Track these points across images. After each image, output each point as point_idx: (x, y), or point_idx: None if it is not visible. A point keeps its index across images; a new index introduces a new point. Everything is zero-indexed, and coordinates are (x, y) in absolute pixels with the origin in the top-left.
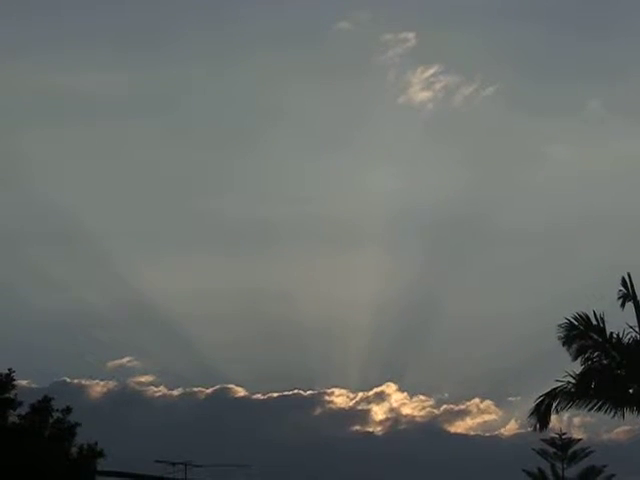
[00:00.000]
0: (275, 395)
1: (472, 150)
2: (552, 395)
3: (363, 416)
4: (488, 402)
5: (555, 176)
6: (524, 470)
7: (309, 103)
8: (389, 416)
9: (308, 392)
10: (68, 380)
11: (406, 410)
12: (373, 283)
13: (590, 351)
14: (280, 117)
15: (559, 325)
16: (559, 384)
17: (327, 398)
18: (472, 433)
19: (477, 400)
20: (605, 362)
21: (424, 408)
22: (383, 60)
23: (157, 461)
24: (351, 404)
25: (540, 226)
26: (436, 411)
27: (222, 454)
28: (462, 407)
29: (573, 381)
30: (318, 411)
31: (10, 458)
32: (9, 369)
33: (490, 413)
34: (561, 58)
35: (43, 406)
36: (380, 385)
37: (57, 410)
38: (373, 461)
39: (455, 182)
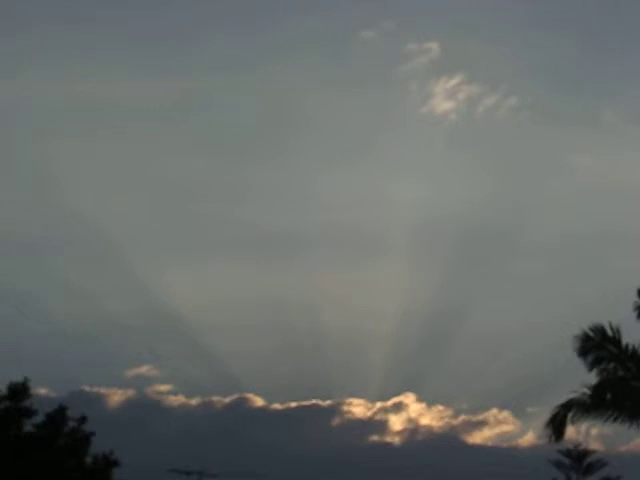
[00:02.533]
0: (293, 405)
1: (495, 160)
2: (567, 406)
3: (381, 426)
4: (506, 413)
5: (579, 186)
6: None
7: (333, 112)
8: (407, 426)
9: (327, 402)
10: (87, 389)
11: (424, 420)
12: (396, 293)
13: (605, 362)
14: (304, 126)
15: (575, 336)
16: (574, 395)
17: (345, 408)
18: (490, 444)
19: (495, 411)
20: (621, 374)
21: (442, 418)
22: (406, 70)
23: (171, 470)
24: (369, 414)
25: (563, 237)
26: (454, 421)
27: (238, 463)
28: (480, 418)
29: (588, 392)
30: (336, 421)
31: (24, 467)
32: (25, 378)
33: (508, 424)
34: (584, 68)
35: (58, 415)
36: (398, 395)
37: (72, 419)
38: (391, 471)
39: (478, 192)
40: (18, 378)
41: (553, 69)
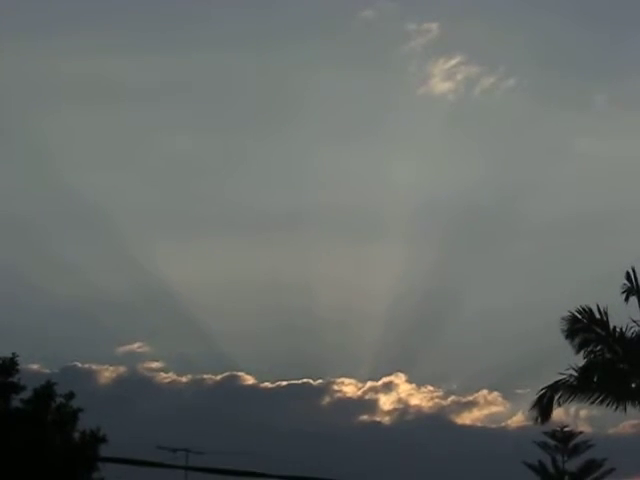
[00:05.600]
0: (284, 384)
1: (493, 141)
2: (554, 388)
3: (371, 406)
4: (496, 394)
5: (577, 168)
6: (524, 462)
7: (331, 92)
8: (397, 406)
9: (317, 381)
10: (79, 365)
11: (414, 400)
12: (390, 274)
13: (593, 345)
14: (302, 105)
15: (562, 318)
16: (561, 377)
17: (336, 387)
18: (479, 424)
19: (485, 392)
20: (608, 356)
21: (432, 399)
22: (406, 50)
23: (158, 447)
24: (359, 394)
25: (559, 219)
26: (444, 402)
27: (228, 441)
28: (470, 398)
29: (576, 374)
30: (327, 400)
31: (11, 443)
32: (13, 353)
33: (497, 405)
34: (584, 50)
35: (46, 391)
36: (389, 375)
37: (60, 395)
38: (380, 450)
39: (474, 173)
40: (7, 354)
41: (553, 51)
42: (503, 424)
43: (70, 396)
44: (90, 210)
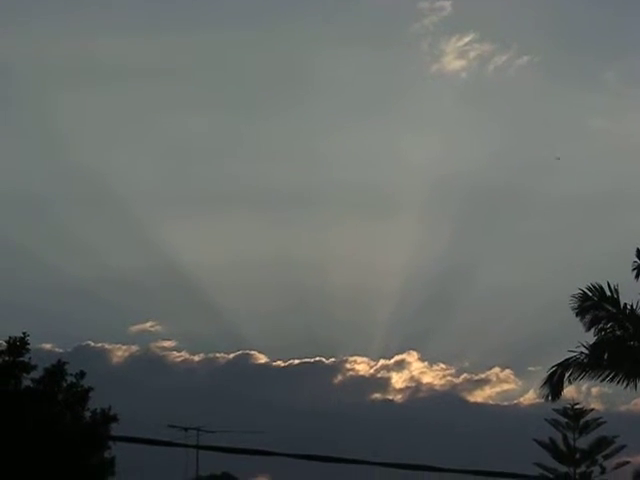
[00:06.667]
0: (296, 362)
1: (505, 120)
2: (565, 365)
3: (383, 384)
4: (508, 371)
5: (590, 146)
6: (535, 440)
7: (342, 70)
8: (409, 384)
9: (330, 360)
10: (92, 344)
11: (426, 378)
12: (403, 252)
13: (603, 322)
14: (313, 83)
15: (573, 296)
16: (572, 354)
17: (348, 366)
18: (491, 402)
19: (497, 369)
20: (618, 333)
21: (444, 377)
22: (418, 28)
23: (170, 426)
24: (372, 372)
25: (570, 196)
26: (456, 380)
27: (240, 420)
28: (482, 376)
29: (586, 352)
30: (339, 379)
31: (23, 422)
32: (23, 332)
33: (510, 382)
34: (597, 28)
35: (57, 370)
36: (401, 353)
37: (71, 374)
38: (392, 428)
39: (487, 152)
40: (19, 333)
41: (565, 29)
42: (515, 402)
43: (81, 375)
44: (102, 189)
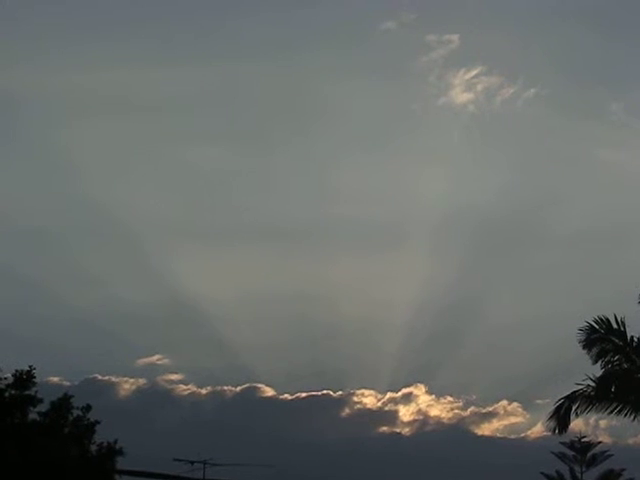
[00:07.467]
0: (303, 395)
1: (513, 152)
2: (572, 398)
3: (391, 417)
4: (515, 404)
5: (597, 179)
6: (542, 473)
7: (352, 103)
8: (417, 417)
9: (337, 393)
10: (99, 377)
11: (434, 411)
12: (410, 285)
13: (610, 355)
14: (323, 116)
15: (580, 328)
16: (579, 387)
17: (355, 399)
18: (499, 435)
19: (505, 402)
20: (625, 366)
21: (452, 410)
22: (426, 61)
23: (176, 459)
24: (379, 405)
25: (578, 230)
26: (463, 413)
27: (247, 454)
28: (489, 409)
29: (593, 384)
30: (346, 412)
31: (29, 455)
32: (30, 366)
33: (517, 415)
34: (604, 61)
35: (63, 403)
36: (409, 386)
37: (77, 408)
38: (400, 462)
39: (495, 184)
40: (26, 367)
41: (573, 61)
42: (523, 435)
43: (87, 409)
44: (110, 223)
